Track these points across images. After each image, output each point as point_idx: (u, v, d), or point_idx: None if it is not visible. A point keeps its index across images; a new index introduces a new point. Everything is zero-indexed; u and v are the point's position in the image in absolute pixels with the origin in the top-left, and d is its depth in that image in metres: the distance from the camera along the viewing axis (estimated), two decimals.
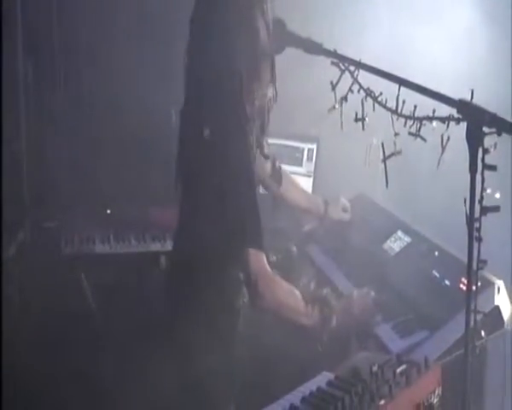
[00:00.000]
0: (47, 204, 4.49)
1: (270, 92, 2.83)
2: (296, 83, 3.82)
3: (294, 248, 3.84)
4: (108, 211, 4.44)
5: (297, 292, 2.73)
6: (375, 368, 2.13)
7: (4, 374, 3.49)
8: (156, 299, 3.54)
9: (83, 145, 4.61)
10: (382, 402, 1.94)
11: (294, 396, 2.08)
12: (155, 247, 4.15)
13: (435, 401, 2.13)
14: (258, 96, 2.78)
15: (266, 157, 3.05)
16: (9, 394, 3.51)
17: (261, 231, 2.66)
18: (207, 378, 2.74)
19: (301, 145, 4.40)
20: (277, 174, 3.33)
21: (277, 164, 3.35)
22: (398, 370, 2.10)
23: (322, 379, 2.17)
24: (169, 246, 4.03)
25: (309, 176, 4.35)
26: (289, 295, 2.72)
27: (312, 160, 4.37)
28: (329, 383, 2.13)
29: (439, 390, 2.15)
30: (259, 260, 2.65)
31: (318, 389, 2.11)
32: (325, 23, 3.99)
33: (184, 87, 2.80)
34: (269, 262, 2.70)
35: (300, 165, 4.38)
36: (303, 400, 2.04)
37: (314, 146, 4.38)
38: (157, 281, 3.94)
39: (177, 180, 2.87)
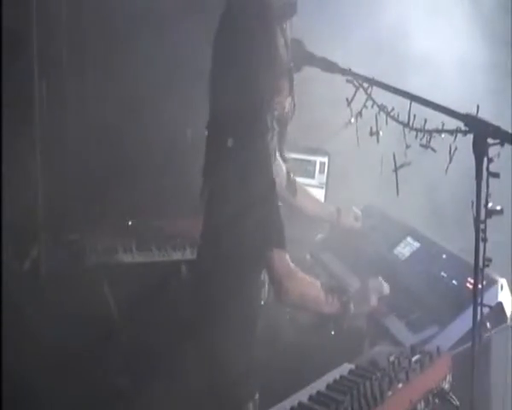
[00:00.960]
0: (71, 217, 4.65)
1: (288, 104, 2.99)
2: (308, 100, 3.98)
3: (308, 256, 4.01)
4: (130, 222, 4.58)
5: (318, 283, 2.91)
6: (392, 358, 2.33)
7: (23, 383, 3.61)
8: (178, 305, 3.70)
9: (104, 161, 4.78)
10: (400, 386, 2.14)
11: (319, 384, 2.27)
12: (176, 256, 4.28)
13: (446, 386, 2.33)
14: (278, 108, 2.94)
15: (286, 161, 3.18)
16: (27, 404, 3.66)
17: (283, 231, 2.82)
18: (232, 371, 2.89)
19: (313, 158, 4.56)
20: (292, 186, 3.46)
21: (292, 176, 3.48)
22: (413, 358, 2.31)
23: (343, 369, 2.37)
24: (189, 255, 4.20)
25: (321, 187, 4.51)
26: (311, 287, 2.89)
27: (324, 172, 4.53)
28: (351, 372, 2.33)
29: (449, 377, 2.35)
30: (283, 259, 2.81)
31: (341, 377, 2.30)
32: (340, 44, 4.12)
33: (209, 102, 2.94)
34: None
35: (313, 177, 4.53)
36: (328, 386, 2.24)
37: (326, 159, 4.54)
38: (178, 288, 4.11)
39: (203, 188, 2.99)
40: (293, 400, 2.18)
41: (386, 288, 3.05)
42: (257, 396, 2.95)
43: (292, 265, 2.84)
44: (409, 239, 3.49)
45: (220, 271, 2.92)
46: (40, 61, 4.51)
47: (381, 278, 3.07)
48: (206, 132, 2.99)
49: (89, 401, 3.77)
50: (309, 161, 4.57)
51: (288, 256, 2.83)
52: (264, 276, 2.97)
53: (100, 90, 4.94)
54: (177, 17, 4.79)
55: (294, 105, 3.01)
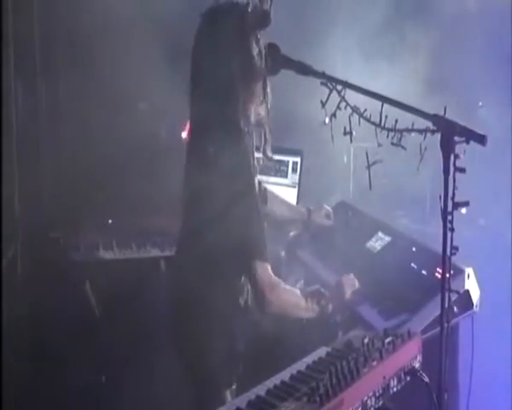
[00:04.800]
0: (53, 216, 4.74)
1: (263, 110, 3.07)
2: (281, 102, 4.10)
3: (283, 253, 4.15)
4: (110, 221, 4.69)
5: (297, 291, 3.00)
6: (366, 340, 2.50)
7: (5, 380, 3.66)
8: (157, 300, 3.81)
9: (85, 161, 4.89)
10: (374, 363, 2.31)
11: (300, 365, 2.43)
12: (155, 253, 4.41)
13: (417, 365, 2.50)
14: (254, 113, 3.03)
15: (270, 160, 3.24)
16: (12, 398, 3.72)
17: (265, 242, 2.89)
18: (210, 362, 3.02)
19: (286, 158, 4.68)
20: (263, 194, 3.51)
21: (262, 186, 3.53)
22: (386, 340, 2.47)
23: (321, 352, 2.53)
24: (168, 252, 4.30)
25: (293, 187, 4.63)
26: (292, 296, 2.97)
27: (297, 172, 4.65)
28: (328, 354, 2.49)
29: (420, 357, 2.52)
30: (265, 271, 2.88)
31: (319, 358, 2.46)
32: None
33: (190, 108, 3.04)
34: None
35: (286, 177, 4.66)
36: (307, 366, 2.40)
37: (298, 159, 4.67)
38: (157, 283, 4.22)
39: (184, 192, 3.07)
40: (276, 379, 2.33)
41: (357, 282, 3.15)
42: (234, 386, 3.05)
43: (274, 277, 2.91)
44: (380, 234, 3.63)
45: (199, 274, 2.98)
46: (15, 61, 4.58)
47: (352, 275, 3.18)
48: (187, 138, 3.10)
49: (67, 397, 3.92)
50: (282, 161, 4.68)
51: (269, 268, 2.89)
52: (245, 279, 3.03)
53: (78, 90, 5.05)
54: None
55: (269, 111, 3.09)
